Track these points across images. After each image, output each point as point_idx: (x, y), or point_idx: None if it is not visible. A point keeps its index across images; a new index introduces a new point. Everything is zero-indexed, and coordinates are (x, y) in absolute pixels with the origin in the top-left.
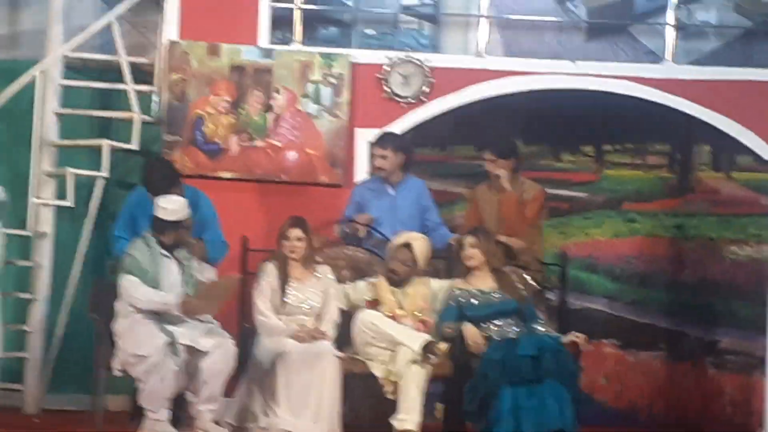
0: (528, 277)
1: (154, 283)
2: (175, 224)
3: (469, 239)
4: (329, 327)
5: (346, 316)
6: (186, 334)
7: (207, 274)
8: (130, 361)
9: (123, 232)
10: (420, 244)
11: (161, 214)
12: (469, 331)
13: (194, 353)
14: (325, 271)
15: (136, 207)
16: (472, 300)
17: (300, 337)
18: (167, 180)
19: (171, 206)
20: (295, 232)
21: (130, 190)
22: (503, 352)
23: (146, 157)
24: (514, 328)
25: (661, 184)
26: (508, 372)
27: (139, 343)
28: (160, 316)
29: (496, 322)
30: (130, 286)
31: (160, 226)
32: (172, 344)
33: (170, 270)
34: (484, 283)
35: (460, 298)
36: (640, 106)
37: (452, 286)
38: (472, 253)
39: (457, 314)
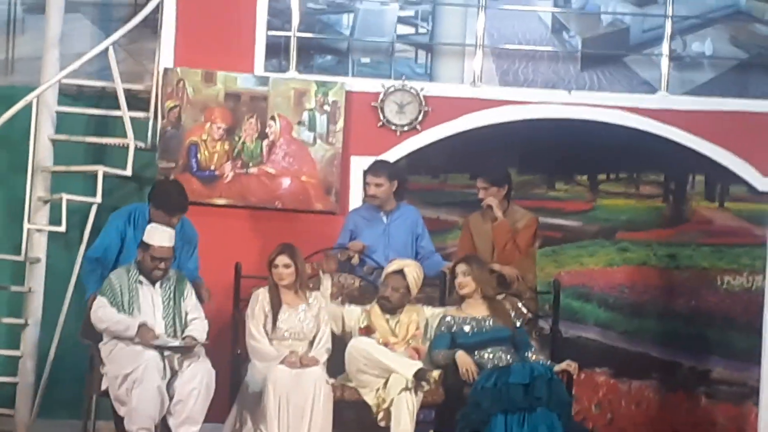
0: (521, 306)
1: (128, 308)
2: (150, 251)
3: (462, 267)
4: (321, 353)
5: (339, 343)
6: (162, 343)
7: (193, 312)
8: (114, 382)
9: (97, 253)
10: (413, 271)
11: (144, 238)
12: (462, 358)
13: (174, 371)
14: (318, 297)
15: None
16: (465, 328)
17: (291, 363)
18: (182, 204)
19: (154, 233)
20: (283, 259)
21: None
22: (495, 380)
23: (139, 182)
24: (507, 356)
25: (654, 214)
26: (500, 400)
27: (121, 363)
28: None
29: (489, 350)
30: (96, 306)
31: (141, 252)
32: (157, 359)
33: (145, 297)
34: (476, 310)
35: (452, 326)
36: (634, 136)
37: (445, 314)
38: (465, 281)
39: (450, 342)
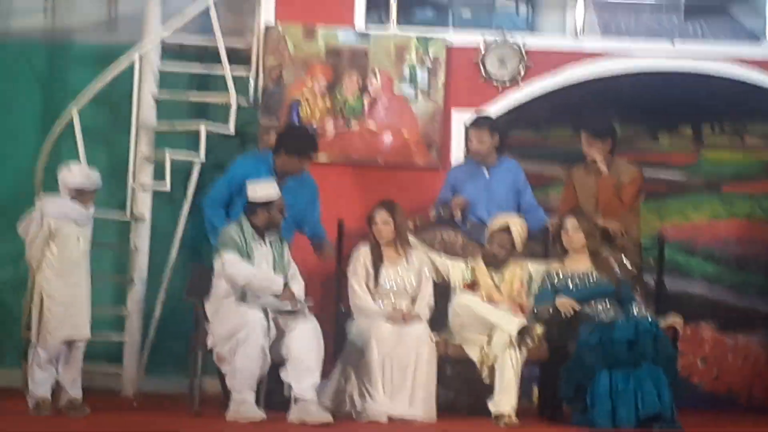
0: (625, 260)
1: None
2: (266, 205)
3: (572, 221)
4: (423, 309)
5: (443, 300)
6: (272, 305)
7: (291, 269)
8: (219, 341)
9: (215, 202)
10: (518, 227)
11: (251, 196)
12: (561, 302)
13: (281, 330)
14: (419, 254)
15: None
16: (568, 283)
17: (394, 319)
18: (315, 145)
19: (260, 189)
20: (381, 216)
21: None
22: (600, 336)
23: (241, 139)
24: (611, 310)
25: (761, 166)
26: (605, 356)
27: (227, 322)
28: (247, 296)
29: (593, 304)
30: (231, 262)
31: (252, 209)
32: (262, 320)
33: (261, 253)
34: (580, 265)
35: (556, 281)
36: (739, 87)
37: (548, 269)
38: (575, 236)
39: (553, 297)
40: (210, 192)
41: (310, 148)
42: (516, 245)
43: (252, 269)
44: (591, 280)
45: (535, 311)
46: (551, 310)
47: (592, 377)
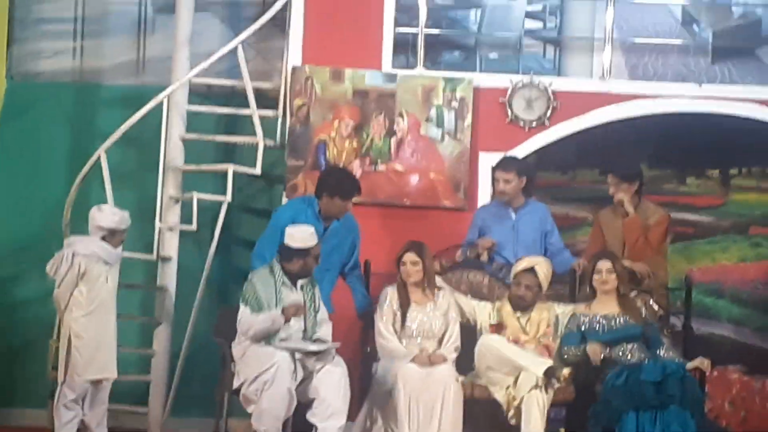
0: (652, 302)
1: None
2: (302, 252)
3: (606, 264)
4: (450, 351)
5: (469, 339)
6: (297, 345)
7: (322, 313)
8: (246, 382)
9: (266, 251)
10: (544, 268)
11: (288, 241)
12: (592, 348)
13: (308, 372)
14: (446, 295)
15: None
16: (595, 325)
17: (421, 361)
18: (357, 185)
19: (299, 234)
20: (410, 257)
21: (274, 212)
22: (627, 378)
23: (268, 180)
24: (638, 353)
25: None
26: (632, 397)
27: (253, 364)
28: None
29: (620, 347)
30: (241, 317)
31: (287, 254)
32: (289, 361)
33: (291, 298)
34: (607, 308)
35: (583, 324)
36: (766, 130)
37: (575, 311)
38: (609, 278)
39: (580, 340)
40: (258, 245)
41: (353, 190)
42: (542, 286)
43: (252, 319)
44: (618, 323)
45: (562, 353)
46: (579, 354)
47: (619, 419)
